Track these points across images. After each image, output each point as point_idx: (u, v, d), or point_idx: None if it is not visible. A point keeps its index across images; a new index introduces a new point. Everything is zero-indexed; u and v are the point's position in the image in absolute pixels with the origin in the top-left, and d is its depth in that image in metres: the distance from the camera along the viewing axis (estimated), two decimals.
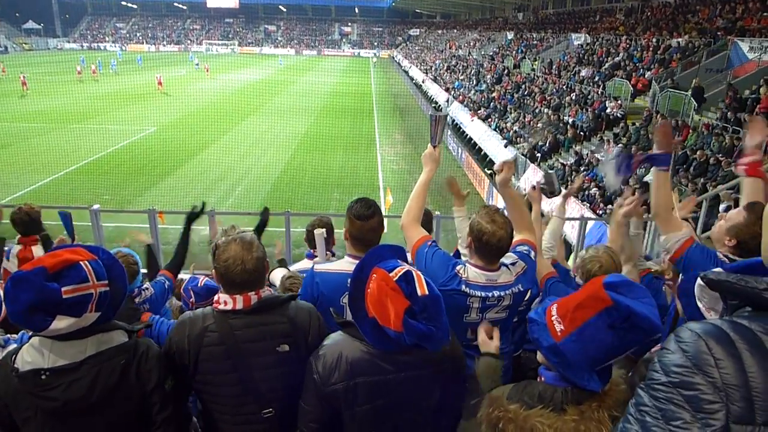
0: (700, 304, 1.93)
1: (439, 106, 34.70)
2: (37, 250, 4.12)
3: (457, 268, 2.34)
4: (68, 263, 1.67)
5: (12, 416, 1.74)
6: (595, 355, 1.43)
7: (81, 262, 1.69)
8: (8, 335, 2.25)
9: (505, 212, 2.48)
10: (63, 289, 1.62)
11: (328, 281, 2.47)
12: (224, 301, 1.95)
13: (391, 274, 1.71)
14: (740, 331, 1.01)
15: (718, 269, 1.45)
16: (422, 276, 1.76)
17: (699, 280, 1.94)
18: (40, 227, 4.28)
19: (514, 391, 1.60)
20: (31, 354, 1.72)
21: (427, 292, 1.71)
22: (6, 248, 4.31)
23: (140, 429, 1.88)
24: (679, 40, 20.59)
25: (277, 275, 3.24)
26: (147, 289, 3.14)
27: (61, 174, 18.03)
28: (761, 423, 0.92)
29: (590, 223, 7.08)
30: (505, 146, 21.13)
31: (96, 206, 5.81)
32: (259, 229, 3.66)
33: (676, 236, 2.44)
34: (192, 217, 3.37)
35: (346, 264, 2.47)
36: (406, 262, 1.85)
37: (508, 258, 2.41)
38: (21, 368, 1.69)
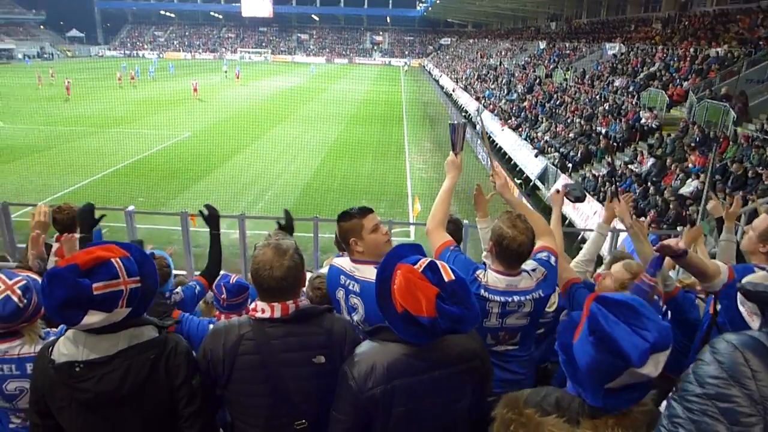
0: (742, 309, 1.88)
1: (468, 114, 34.61)
2: None
3: (477, 272, 2.36)
4: (100, 260, 1.72)
5: (48, 406, 1.80)
6: (590, 366, 1.37)
7: (112, 259, 1.74)
8: (49, 329, 2.33)
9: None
10: (94, 285, 1.67)
11: (328, 276, 2.59)
12: (261, 308, 1.93)
13: (415, 267, 1.75)
14: None
15: (762, 273, 1.40)
16: (446, 264, 1.79)
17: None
18: (76, 226, 4.44)
19: (532, 395, 1.57)
20: (67, 346, 1.78)
21: (453, 277, 1.74)
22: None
23: (169, 422, 1.91)
24: (718, 50, 20.06)
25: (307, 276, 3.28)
26: (177, 293, 3.24)
27: (99, 176, 18.59)
28: None
29: (622, 235, 6.93)
30: (536, 156, 20.89)
31: (131, 208, 5.97)
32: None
33: (719, 278, 2.27)
34: (212, 220, 3.29)
35: (342, 260, 2.58)
36: (425, 256, 1.87)
37: (528, 265, 2.41)
38: (57, 360, 1.76)
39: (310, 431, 1.97)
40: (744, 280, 1.25)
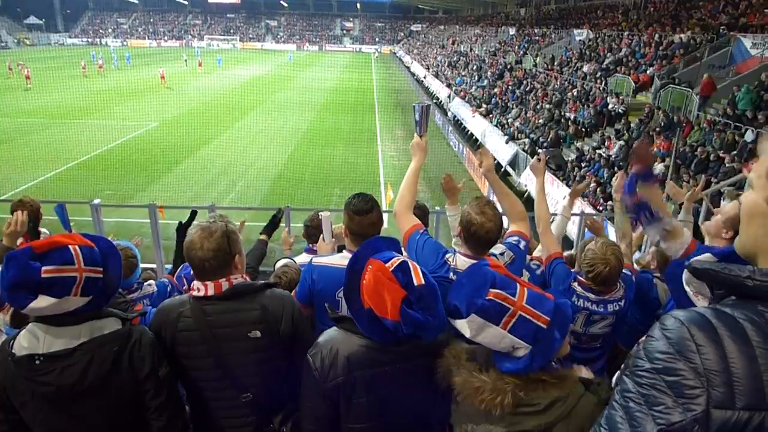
0: (687, 288, 1.93)
1: (438, 99, 34.82)
2: None
3: (447, 256, 2.39)
4: (55, 245, 1.71)
5: (11, 400, 1.77)
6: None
7: (70, 246, 1.73)
8: (13, 328, 2.27)
9: (497, 204, 2.50)
10: (43, 268, 1.66)
11: (325, 275, 2.48)
12: (197, 287, 1.99)
13: (387, 265, 1.71)
14: (722, 318, 1.02)
15: (706, 255, 1.46)
16: (418, 266, 1.76)
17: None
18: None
19: (470, 350, 1.70)
20: (27, 339, 1.75)
21: (423, 282, 1.71)
22: None
23: (135, 415, 1.90)
24: (682, 35, 20.51)
25: (279, 264, 3.26)
26: (150, 285, 3.20)
27: (62, 169, 18.05)
28: (741, 407, 0.93)
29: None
30: (506, 142, 21.10)
31: (97, 201, 5.82)
32: (268, 229, 3.64)
33: (681, 242, 2.28)
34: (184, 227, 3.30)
35: (344, 258, 2.47)
36: (401, 253, 1.86)
37: (497, 248, 2.44)
38: (17, 353, 1.73)
39: (256, 404, 2.06)
40: (693, 260, 1.31)
